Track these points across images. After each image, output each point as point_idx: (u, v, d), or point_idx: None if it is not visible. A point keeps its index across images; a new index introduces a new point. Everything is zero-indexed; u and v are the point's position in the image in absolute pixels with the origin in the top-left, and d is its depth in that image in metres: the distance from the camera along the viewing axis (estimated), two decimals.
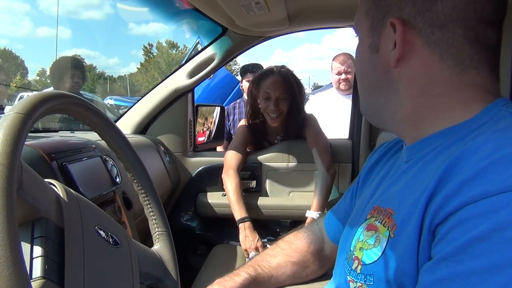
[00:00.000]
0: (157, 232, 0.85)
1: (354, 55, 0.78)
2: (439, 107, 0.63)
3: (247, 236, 1.83)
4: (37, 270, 0.48)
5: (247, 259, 1.81)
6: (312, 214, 1.91)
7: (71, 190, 0.62)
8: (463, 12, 0.58)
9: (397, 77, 0.65)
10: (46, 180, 0.59)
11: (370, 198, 0.74)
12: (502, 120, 0.56)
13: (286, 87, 1.99)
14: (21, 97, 11.62)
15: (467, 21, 0.58)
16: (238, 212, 1.88)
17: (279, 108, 1.98)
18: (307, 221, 1.90)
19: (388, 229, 0.61)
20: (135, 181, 0.83)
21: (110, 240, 0.64)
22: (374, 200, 0.70)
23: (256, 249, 1.82)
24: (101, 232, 0.63)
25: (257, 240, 1.84)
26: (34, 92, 0.57)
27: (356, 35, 0.74)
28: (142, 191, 0.83)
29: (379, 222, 0.64)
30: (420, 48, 0.61)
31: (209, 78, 2.99)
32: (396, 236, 0.58)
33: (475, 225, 0.46)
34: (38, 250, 0.50)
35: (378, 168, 0.85)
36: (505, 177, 0.46)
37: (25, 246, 0.49)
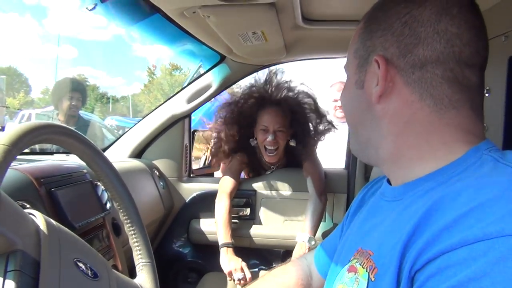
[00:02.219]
0: (141, 263, 0.83)
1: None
2: (421, 146, 0.63)
3: (230, 259, 1.78)
4: None
5: (237, 286, 1.77)
6: (302, 236, 1.88)
7: (52, 221, 0.62)
8: (442, 54, 0.60)
9: (380, 113, 0.66)
10: (26, 210, 0.59)
11: (354, 238, 0.73)
12: (484, 165, 0.56)
13: (285, 119, 1.98)
14: (22, 115, 11.70)
15: (446, 62, 0.60)
16: (223, 236, 1.84)
17: (277, 141, 1.97)
18: (296, 245, 1.88)
19: (366, 271, 0.60)
20: (121, 210, 0.82)
21: (89, 272, 0.63)
22: (358, 241, 0.70)
23: (241, 269, 1.76)
24: (80, 265, 0.62)
25: (241, 261, 1.78)
26: (21, 124, 0.57)
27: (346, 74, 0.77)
28: (128, 221, 0.83)
29: (359, 263, 0.64)
30: (401, 86, 0.63)
31: (210, 101, 3.02)
32: (377, 280, 0.57)
33: (454, 274, 0.45)
34: (10, 285, 0.49)
35: (365, 204, 0.85)
36: (484, 224, 0.46)
37: None
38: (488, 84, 1.17)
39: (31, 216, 0.59)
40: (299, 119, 2.05)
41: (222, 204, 1.94)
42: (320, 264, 1.00)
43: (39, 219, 0.59)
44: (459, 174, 0.57)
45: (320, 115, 2.10)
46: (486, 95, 1.18)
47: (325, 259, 0.98)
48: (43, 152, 2.00)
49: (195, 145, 2.39)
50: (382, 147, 0.68)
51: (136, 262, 0.83)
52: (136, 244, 0.83)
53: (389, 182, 0.74)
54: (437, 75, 0.61)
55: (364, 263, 0.62)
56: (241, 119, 2.04)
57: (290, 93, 2.07)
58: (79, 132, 0.71)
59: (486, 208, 0.47)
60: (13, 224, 0.52)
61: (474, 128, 0.62)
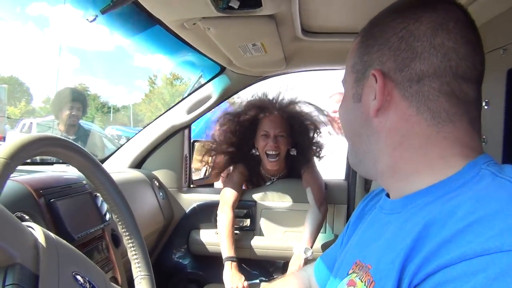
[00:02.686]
0: (140, 276, 0.83)
1: None
2: (418, 160, 0.63)
3: (233, 275, 1.79)
4: None
5: None
6: (298, 247, 1.88)
7: (51, 234, 0.61)
8: (439, 68, 0.61)
9: (377, 127, 0.66)
10: (25, 223, 0.59)
11: (353, 251, 0.73)
12: (482, 179, 0.56)
13: (285, 125, 2.00)
14: (23, 124, 11.71)
15: (442, 76, 0.61)
16: (227, 250, 1.85)
17: (278, 145, 1.98)
18: (292, 257, 1.87)
19: (365, 285, 0.60)
20: (120, 223, 0.82)
21: (88, 286, 0.63)
22: (356, 254, 0.70)
23: None
24: (79, 278, 0.62)
25: (244, 280, 1.79)
26: (21, 136, 0.57)
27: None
28: (127, 233, 0.83)
29: (358, 278, 0.64)
30: (398, 100, 0.64)
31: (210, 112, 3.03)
32: None
33: None
34: None
35: (365, 217, 0.84)
36: (483, 239, 0.46)
37: None
38: (487, 97, 1.17)
39: (29, 229, 0.59)
40: (299, 128, 2.06)
41: (224, 216, 1.94)
42: (320, 277, 0.99)
43: (38, 232, 0.59)
44: (457, 188, 0.57)
45: (318, 127, 2.12)
46: (486, 107, 1.18)
47: (325, 271, 0.98)
48: (43, 163, 2.00)
49: (195, 156, 2.39)
50: (380, 160, 0.68)
51: (134, 275, 0.83)
52: (134, 256, 0.83)
53: (387, 195, 0.74)
54: (434, 89, 0.61)
55: (363, 277, 0.62)
56: (242, 129, 2.05)
57: (291, 104, 2.09)
58: (77, 144, 0.72)
59: (485, 223, 0.47)
60: (11, 238, 0.52)
61: (472, 142, 0.63)
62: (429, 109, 0.62)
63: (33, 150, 0.58)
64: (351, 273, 0.67)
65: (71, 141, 0.70)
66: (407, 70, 0.62)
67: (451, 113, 0.61)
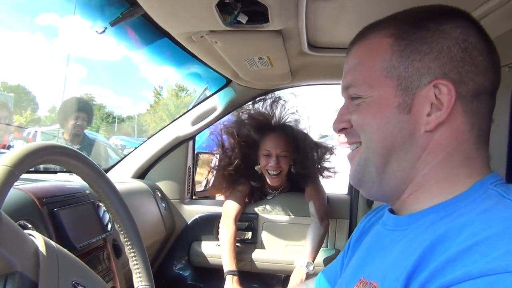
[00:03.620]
0: (140, 286, 0.83)
1: None
2: (448, 179, 0.61)
3: None
4: None
5: None
6: (300, 261, 1.87)
7: (52, 242, 0.62)
8: (493, 85, 0.61)
9: (422, 142, 0.62)
10: (26, 231, 0.59)
11: (357, 267, 0.72)
12: (488, 199, 0.56)
13: (287, 144, 2.00)
14: (28, 132, 11.76)
15: (493, 92, 0.61)
16: (228, 263, 1.84)
17: (280, 165, 1.99)
18: (294, 270, 1.86)
19: None
20: (122, 232, 0.82)
21: None
22: (361, 272, 0.69)
23: None
24: (79, 287, 0.62)
25: None
26: (24, 144, 0.58)
27: (355, 90, 0.69)
28: (128, 243, 0.83)
29: None
30: (458, 115, 0.61)
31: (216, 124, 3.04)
32: None
33: None
34: None
35: (368, 233, 0.84)
36: (488, 260, 0.45)
37: None
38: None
39: (30, 237, 0.59)
40: (301, 145, 2.06)
41: (227, 230, 1.94)
42: None
43: (39, 240, 0.59)
44: (464, 207, 0.57)
45: (317, 144, 2.13)
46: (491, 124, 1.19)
47: (327, 287, 0.97)
48: (46, 171, 2.01)
49: (198, 169, 2.39)
50: (409, 179, 0.64)
51: (135, 285, 0.83)
52: (136, 266, 0.83)
53: (390, 210, 0.73)
54: (488, 106, 0.61)
55: None
56: (244, 146, 2.06)
57: (292, 120, 2.10)
58: (81, 153, 0.72)
59: (490, 243, 0.47)
60: (12, 246, 0.52)
61: (486, 160, 0.63)
62: (480, 127, 0.61)
63: (38, 159, 0.58)
64: None
65: (76, 149, 0.71)
66: (472, 84, 0.60)
67: (488, 133, 0.61)
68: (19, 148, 0.55)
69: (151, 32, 1.44)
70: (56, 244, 0.63)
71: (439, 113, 0.60)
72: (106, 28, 1.24)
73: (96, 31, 1.26)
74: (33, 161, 0.56)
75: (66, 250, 0.65)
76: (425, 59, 0.61)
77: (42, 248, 0.58)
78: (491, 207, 0.54)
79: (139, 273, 0.83)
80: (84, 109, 3.12)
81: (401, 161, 0.64)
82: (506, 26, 1.12)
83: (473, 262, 0.46)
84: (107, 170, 2.16)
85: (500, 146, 1.14)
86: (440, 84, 0.60)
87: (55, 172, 1.88)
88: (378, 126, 0.65)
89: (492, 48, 0.63)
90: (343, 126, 0.72)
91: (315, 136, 2.29)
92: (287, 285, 1.86)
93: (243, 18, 1.16)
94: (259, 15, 1.18)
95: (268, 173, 2.01)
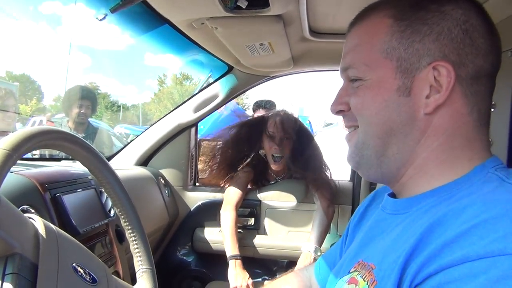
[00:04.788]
0: (141, 270, 0.84)
1: None
2: (449, 161, 0.62)
3: (237, 274, 1.81)
4: None
5: None
6: (308, 246, 1.90)
7: (51, 225, 0.62)
8: (493, 67, 0.61)
9: (422, 125, 0.62)
10: (26, 214, 0.60)
11: (356, 250, 0.73)
12: (489, 183, 0.56)
13: (291, 128, 2.02)
14: (34, 121, 11.81)
15: (494, 76, 0.61)
16: (231, 248, 1.87)
17: (283, 148, 2.01)
18: (301, 255, 1.88)
19: (367, 284, 0.60)
20: (123, 217, 0.83)
21: (88, 277, 0.64)
22: (360, 254, 0.70)
23: (247, 287, 1.79)
24: (79, 269, 0.63)
25: (248, 278, 1.81)
26: (23, 129, 0.58)
27: (353, 71, 0.68)
28: (129, 227, 0.83)
29: (360, 276, 0.63)
30: (457, 97, 0.60)
31: (218, 111, 3.04)
32: None
33: None
34: (8, 287, 0.50)
35: (367, 217, 0.84)
36: (486, 242, 0.45)
37: None
38: (494, 99, 1.17)
39: (30, 220, 0.60)
40: (303, 134, 2.11)
41: (228, 216, 1.95)
42: (320, 276, 0.99)
43: (38, 223, 0.60)
44: (464, 191, 0.57)
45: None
46: (492, 110, 1.18)
47: (326, 271, 0.97)
48: (51, 158, 2.02)
49: (200, 157, 2.41)
50: (409, 163, 0.64)
51: (136, 269, 0.84)
52: (136, 250, 0.84)
53: (390, 194, 0.74)
54: (488, 88, 0.61)
55: (366, 276, 0.61)
56: (249, 131, 2.11)
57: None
58: (81, 138, 0.72)
59: (488, 226, 0.47)
60: (12, 228, 0.53)
61: (487, 144, 0.63)
62: (479, 110, 0.61)
63: (37, 143, 0.58)
64: (352, 271, 0.66)
65: (74, 134, 0.71)
66: (472, 67, 0.60)
67: (488, 115, 0.61)
68: (17, 132, 0.56)
69: (152, 18, 1.44)
70: (56, 227, 0.64)
71: (438, 95, 0.60)
72: (106, 14, 1.24)
73: (97, 18, 1.25)
74: (32, 145, 0.57)
75: (66, 233, 0.66)
76: (425, 40, 0.61)
77: (42, 231, 0.59)
78: (491, 190, 0.54)
79: (140, 257, 0.84)
80: (88, 97, 3.13)
81: (401, 144, 0.64)
82: (507, 12, 1.10)
83: (471, 244, 0.46)
84: (110, 157, 2.18)
85: (501, 131, 1.14)
86: (440, 65, 0.60)
87: (59, 159, 1.90)
88: (377, 110, 0.64)
89: (494, 30, 0.62)
90: (340, 108, 0.71)
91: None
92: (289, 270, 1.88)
93: (242, 3, 1.16)
94: (259, 0, 1.18)
95: (272, 156, 2.03)
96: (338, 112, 0.72)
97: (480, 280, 0.44)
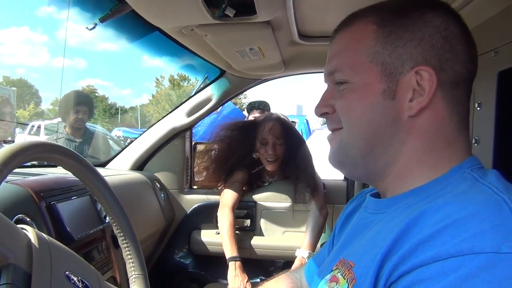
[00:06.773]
0: (134, 276, 0.86)
1: None
2: (430, 163, 0.64)
3: (236, 276, 1.83)
4: None
5: None
6: (302, 252, 1.93)
7: (44, 235, 0.65)
8: (470, 74, 0.64)
9: (407, 127, 0.65)
10: (19, 225, 0.62)
11: (339, 249, 0.75)
12: (463, 183, 0.58)
13: (283, 133, 2.05)
14: (32, 126, 11.81)
15: (470, 82, 0.65)
16: (230, 250, 1.88)
17: (276, 152, 2.03)
18: (295, 260, 1.91)
19: (347, 282, 0.62)
20: (115, 224, 0.85)
21: (81, 284, 0.66)
22: (341, 252, 0.72)
23: None
24: (72, 277, 0.65)
25: (246, 281, 1.83)
26: (12, 144, 0.60)
27: (339, 75, 0.70)
28: (121, 234, 0.85)
29: (341, 274, 0.65)
30: (437, 101, 0.63)
31: (215, 112, 3.04)
32: None
33: None
34: None
35: (353, 216, 0.86)
36: (457, 241, 0.47)
37: None
38: (480, 99, 1.19)
39: (23, 230, 0.62)
40: (295, 137, 2.14)
41: (225, 218, 1.97)
42: (310, 277, 1.01)
43: (31, 233, 0.62)
44: (440, 191, 0.59)
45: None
46: (478, 109, 1.20)
47: (314, 271, 1.00)
48: (48, 165, 2.04)
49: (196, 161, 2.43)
50: (395, 163, 0.67)
51: (129, 275, 0.86)
52: (129, 256, 0.85)
53: (373, 194, 0.76)
54: (466, 94, 0.64)
55: (346, 274, 0.63)
56: (242, 134, 2.13)
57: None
58: (69, 149, 0.75)
59: (460, 225, 0.49)
60: (5, 239, 0.55)
61: (467, 146, 0.66)
62: (459, 112, 0.64)
63: (26, 157, 0.61)
64: (334, 269, 0.68)
65: (62, 146, 0.73)
66: (451, 72, 0.63)
67: (467, 118, 0.65)
68: (6, 147, 0.58)
69: (143, 26, 1.45)
70: (48, 236, 0.66)
71: (421, 98, 0.63)
72: (96, 24, 1.26)
73: (87, 27, 1.28)
74: (21, 159, 0.59)
75: (58, 242, 0.68)
76: (408, 46, 0.63)
77: (34, 240, 0.61)
78: (464, 190, 0.56)
79: (132, 263, 0.86)
80: (85, 102, 3.14)
81: (387, 145, 0.66)
82: (489, 13, 1.13)
83: (442, 244, 0.48)
84: (106, 163, 2.20)
85: (487, 129, 1.16)
86: (422, 70, 0.62)
87: (55, 165, 1.92)
88: (363, 112, 0.66)
89: (471, 38, 0.65)
90: (325, 110, 0.73)
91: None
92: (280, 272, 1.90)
93: (230, 12, 1.17)
94: (246, 7, 1.19)
95: (266, 158, 2.06)
96: (322, 115, 0.74)
97: (450, 279, 0.46)
